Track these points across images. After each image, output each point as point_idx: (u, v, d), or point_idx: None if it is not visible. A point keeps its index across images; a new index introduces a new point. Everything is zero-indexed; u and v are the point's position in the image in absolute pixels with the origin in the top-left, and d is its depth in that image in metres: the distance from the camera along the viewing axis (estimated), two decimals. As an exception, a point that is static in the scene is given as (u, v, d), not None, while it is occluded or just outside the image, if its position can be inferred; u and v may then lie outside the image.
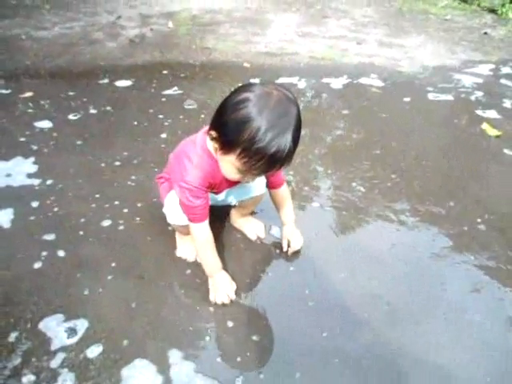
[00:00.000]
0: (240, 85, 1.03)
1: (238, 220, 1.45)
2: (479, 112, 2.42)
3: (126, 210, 1.50)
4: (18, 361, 0.99)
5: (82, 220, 1.45)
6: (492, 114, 2.40)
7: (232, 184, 1.18)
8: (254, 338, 1.09)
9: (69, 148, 1.87)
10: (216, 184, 1.14)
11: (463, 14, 4.64)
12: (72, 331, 1.06)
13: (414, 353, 1.07)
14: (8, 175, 1.66)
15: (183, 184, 1.08)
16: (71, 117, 2.13)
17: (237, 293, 1.20)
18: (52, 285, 1.20)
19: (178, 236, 1.35)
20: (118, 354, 1.02)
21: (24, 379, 0.95)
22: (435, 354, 1.07)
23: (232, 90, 1.02)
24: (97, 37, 3.32)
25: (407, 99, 2.53)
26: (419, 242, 1.44)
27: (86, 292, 1.18)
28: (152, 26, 3.59)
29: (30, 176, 1.66)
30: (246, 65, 2.93)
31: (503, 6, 4.61)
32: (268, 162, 0.94)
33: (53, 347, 1.02)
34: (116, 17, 3.80)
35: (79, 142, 1.91)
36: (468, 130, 2.21)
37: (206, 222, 1.14)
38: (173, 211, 1.20)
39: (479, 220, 1.54)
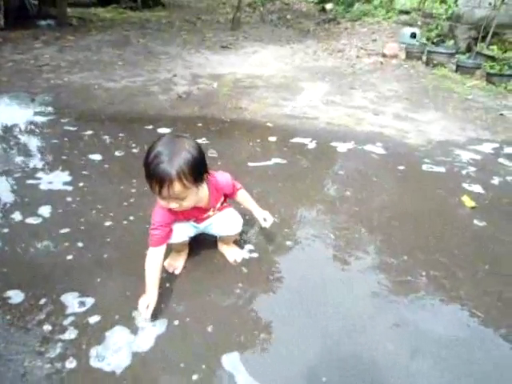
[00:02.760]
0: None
1: (222, 246, 1.85)
2: (465, 185, 2.69)
3: (146, 226, 1.95)
4: (42, 316, 1.42)
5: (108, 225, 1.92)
6: (477, 188, 2.67)
7: (199, 212, 1.58)
8: (209, 328, 1.44)
9: (110, 176, 2.41)
10: (182, 215, 1.54)
11: (487, 95, 4.95)
12: (81, 304, 1.49)
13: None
14: (66, 193, 2.21)
15: (152, 219, 1.50)
16: (117, 153, 2.70)
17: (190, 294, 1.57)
18: (75, 271, 1.65)
19: (173, 250, 1.77)
20: (108, 324, 1.42)
21: (44, 327, 1.38)
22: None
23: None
24: (153, 90, 4.04)
25: (401, 167, 2.87)
26: (362, 279, 1.74)
27: (99, 280, 1.61)
28: (199, 86, 4.28)
29: (75, 192, 2.20)
30: (269, 124, 3.44)
31: (527, 91, 4.89)
32: (156, 185, 1.29)
33: (67, 312, 1.45)
34: (172, 75, 4.55)
35: (120, 173, 2.45)
36: (447, 200, 2.50)
37: (157, 249, 1.48)
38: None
39: (424, 273, 1.82)
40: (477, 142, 3.48)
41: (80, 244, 1.83)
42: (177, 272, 1.70)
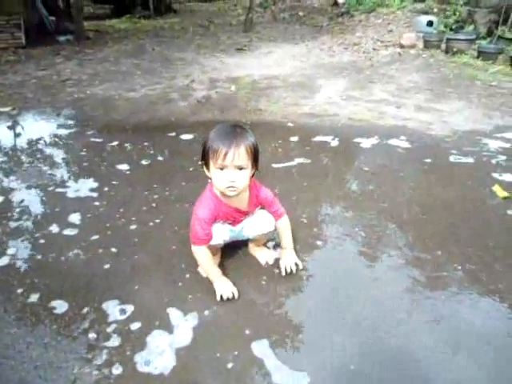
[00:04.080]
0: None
1: (253, 249, 1.87)
2: (495, 175, 2.62)
3: (175, 228, 2.00)
4: (86, 325, 1.47)
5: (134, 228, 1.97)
6: (508, 177, 2.60)
7: (238, 214, 1.63)
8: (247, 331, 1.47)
9: (136, 185, 2.46)
10: (223, 214, 1.60)
11: (510, 80, 4.81)
12: (122, 311, 1.53)
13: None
14: (96, 199, 2.28)
15: (195, 216, 1.59)
16: (143, 162, 2.76)
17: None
18: (113, 279, 1.70)
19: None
20: (149, 329, 1.46)
21: (90, 335, 1.43)
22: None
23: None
24: (172, 97, 4.11)
25: (428, 160, 2.82)
26: (395, 275, 1.73)
27: (136, 287, 1.66)
28: (217, 90, 4.32)
29: (107, 199, 2.26)
30: (289, 124, 3.44)
31: (554, 73, 4.71)
32: (222, 150, 1.41)
33: (109, 319, 1.50)
34: (190, 80, 4.61)
35: (146, 181, 2.51)
36: (478, 191, 2.44)
37: (204, 247, 1.58)
38: None
39: (459, 267, 1.79)
40: (504, 129, 3.39)
41: (114, 250, 1.89)
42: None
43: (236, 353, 1.39)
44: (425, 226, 2.10)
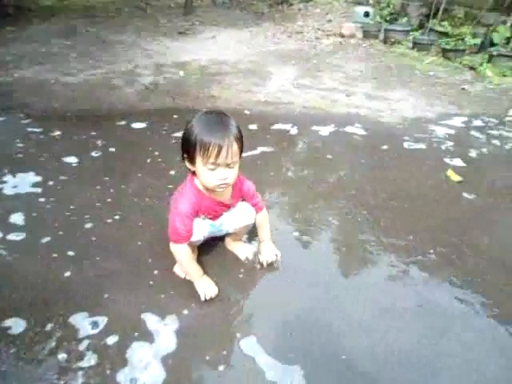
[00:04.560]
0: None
1: (231, 243, 1.77)
2: (447, 160, 2.77)
3: (130, 230, 1.82)
4: (53, 344, 1.28)
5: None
6: (458, 161, 2.76)
7: (220, 208, 1.52)
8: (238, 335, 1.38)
9: (87, 179, 2.22)
10: (205, 209, 1.47)
11: (446, 70, 5.13)
12: (95, 324, 1.36)
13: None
14: (40, 196, 2.01)
15: (174, 211, 1.44)
16: (93, 154, 2.50)
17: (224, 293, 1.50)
18: (77, 288, 1.50)
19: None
20: (128, 341, 1.31)
21: (59, 356, 1.24)
22: (381, 353, 1.34)
23: None
24: (116, 83, 3.78)
25: (385, 147, 2.90)
26: (377, 264, 1.74)
27: (106, 295, 1.48)
28: (165, 75, 4.06)
29: (54, 195, 2.01)
30: (246, 112, 3.34)
31: (481, 64, 5.12)
32: (215, 148, 1.28)
33: (80, 335, 1.32)
34: (133, 65, 4.29)
35: (98, 175, 2.27)
36: (434, 176, 2.56)
37: (185, 244, 1.46)
38: None
39: (431, 251, 1.85)
40: (447, 116, 3.60)
41: (71, 253, 1.67)
42: (183, 276, 1.61)
43: (225, 353, 1.32)
44: (393, 211, 2.14)
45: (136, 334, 1.34)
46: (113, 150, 2.58)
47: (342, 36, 6.56)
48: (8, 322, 1.35)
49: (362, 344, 1.37)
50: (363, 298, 1.57)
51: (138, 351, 1.29)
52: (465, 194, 2.36)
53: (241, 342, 1.36)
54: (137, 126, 2.94)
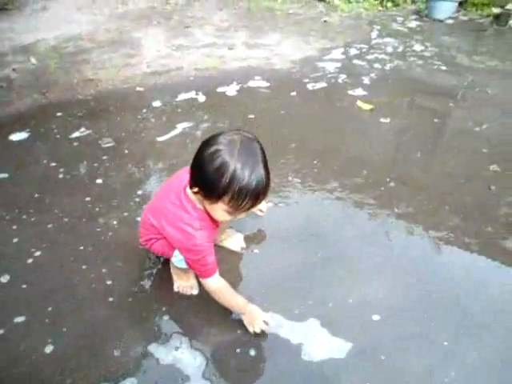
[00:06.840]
0: (206, 140, 1.13)
1: (221, 240, 1.60)
2: (350, 92, 2.95)
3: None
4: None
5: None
6: (359, 91, 2.96)
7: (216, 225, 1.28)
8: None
9: None
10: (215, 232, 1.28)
11: (300, 6, 5.32)
12: None
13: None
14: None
15: (196, 248, 1.17)
16: (-18, 187, 1.94)
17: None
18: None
19: (174, 273, 1.44)
20: None
21: None
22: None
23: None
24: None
25: (293, 93, 2.92)
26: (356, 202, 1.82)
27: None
28: (13, 66, 3.29)
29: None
30: (139, 89, 2.96)
31: (328, -6, 5.44)
32: (253, 197, 1.06)
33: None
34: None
35: None
36: (348, 109, 2.71)
37: (217, 273, 1.24)
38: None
39: (383, 188, 1.98)
40: (326, 51, 3.78)
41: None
42: (195, 292, 1.42)
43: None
44: (333, 154, 2.21)
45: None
46: (4, 175, 2.03)
47: (188, -15, 6.17)
48: None
49: (350, 319, 1.44)
50: (350, 270, 1.63)
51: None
52: (382, 119, 2.57)
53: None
54: (16, 137, 2.36)
